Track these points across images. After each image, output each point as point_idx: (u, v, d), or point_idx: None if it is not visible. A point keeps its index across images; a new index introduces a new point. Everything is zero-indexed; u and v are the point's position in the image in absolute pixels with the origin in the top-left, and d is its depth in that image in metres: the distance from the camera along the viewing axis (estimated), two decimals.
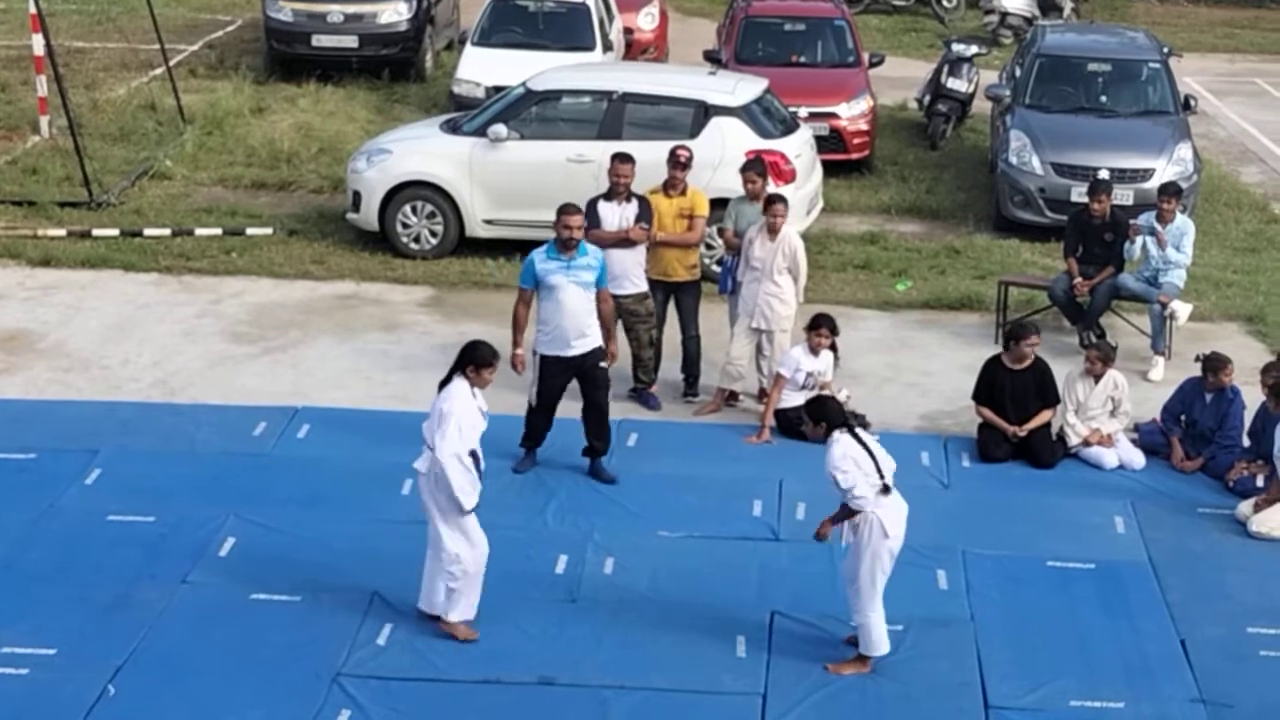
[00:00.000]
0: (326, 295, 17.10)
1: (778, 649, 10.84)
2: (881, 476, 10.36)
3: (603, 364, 12.96)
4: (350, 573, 11.59)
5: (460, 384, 10.67)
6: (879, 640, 10.52)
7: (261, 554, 11.85)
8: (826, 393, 13.88)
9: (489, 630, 10.91)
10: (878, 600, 10.45)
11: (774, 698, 10.32)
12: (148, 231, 18.52)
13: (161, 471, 13.02)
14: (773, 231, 14.22)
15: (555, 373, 12.92)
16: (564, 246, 12.71)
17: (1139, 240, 15.83)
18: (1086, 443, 13.67)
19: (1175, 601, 11.59)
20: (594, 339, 12.88)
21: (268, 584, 11.40)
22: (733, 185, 15.16)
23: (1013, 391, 13.67)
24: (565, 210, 12.79)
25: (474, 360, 10.69)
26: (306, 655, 10.58)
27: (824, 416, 10.55)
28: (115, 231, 18.48)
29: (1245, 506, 12.79)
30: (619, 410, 14.28)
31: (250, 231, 18.67)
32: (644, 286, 14.26)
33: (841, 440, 10.42)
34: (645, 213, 14.19)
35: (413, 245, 18.05)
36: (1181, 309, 15.66)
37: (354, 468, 13.16)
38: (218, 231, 18.63)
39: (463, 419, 10.51)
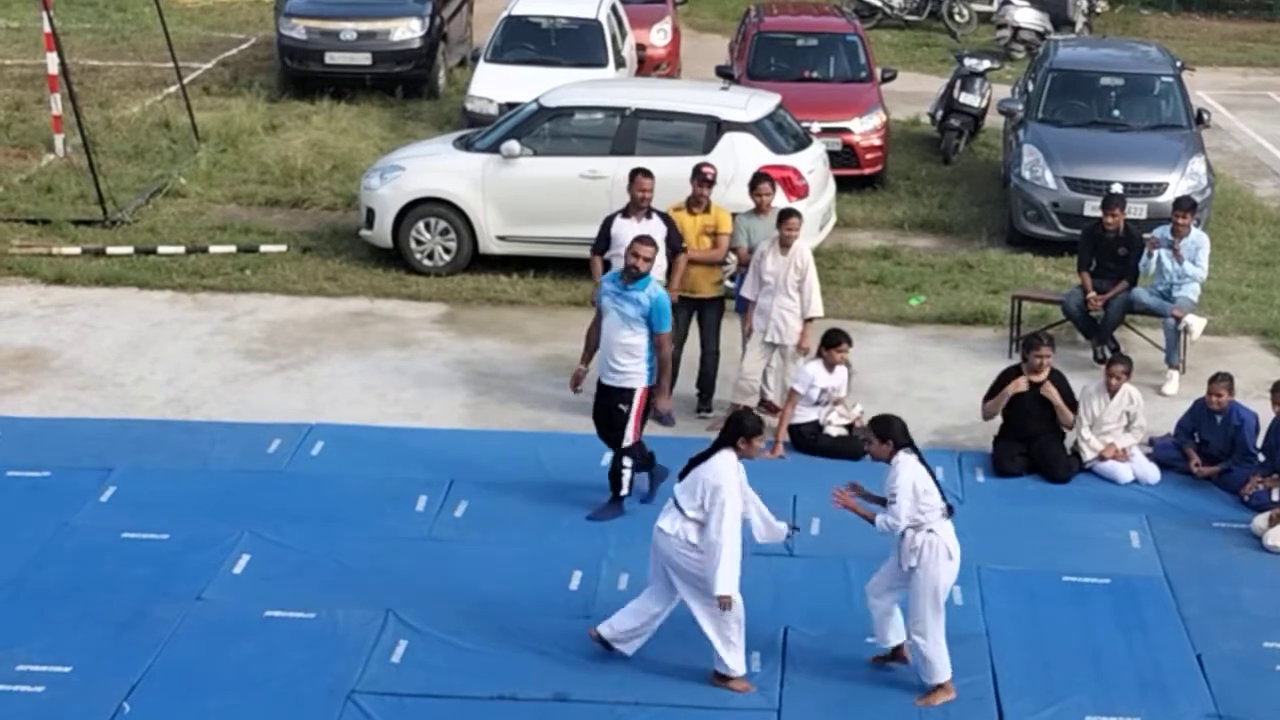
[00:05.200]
0: (340, 312, 17.12)
1: (792, 664, 10.83)
2: (944, 498, 10.37)
3: (621, 406, 12.63)
4: (364, 590, 11.60)
5: (729, 457, 10.45)
6: (943, 665, 10.42)
7: (276, 571, 11.86)
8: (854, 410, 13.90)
9: (503, 646, 10.92)
10: (941, 624, 10.39)
11: (789, 713, 10.32)
12: (162, 249, 18.55)
13: (175, 489, 13.04)
14: (785, 246, 14.22)
15: (597, 398, 12.86)
16: (629, 275, 12.53)
17: (1155, 254, 15.82)
18: (1101, 457, 13.65)
19: (1191, 616, 11.57)
20: (625, 377, 12.58)
21: (282, 601, 11.41)
22: (746, 201, 15.16)
23: (1028, 404, 13.63)
24: (641, 241, 12.60)
25: (744, 432, 10.49)
26: (321, 672, 10.59)
27: (891, 435, 10.47)
28: (129, 249, 18.51)
29: (1261, 520, 12.77)
30: None
31: (264, 249, 18.69)
32: None
33: (908, 463, 10.38)
34: (672, 230, 14.20)
35: (426, 262, 18.06)
36: (1195, 323, 15.64)
37: (368, 485, 13.17)
38: (232, 249, 18.66)
39: (735, 495, 10.33)
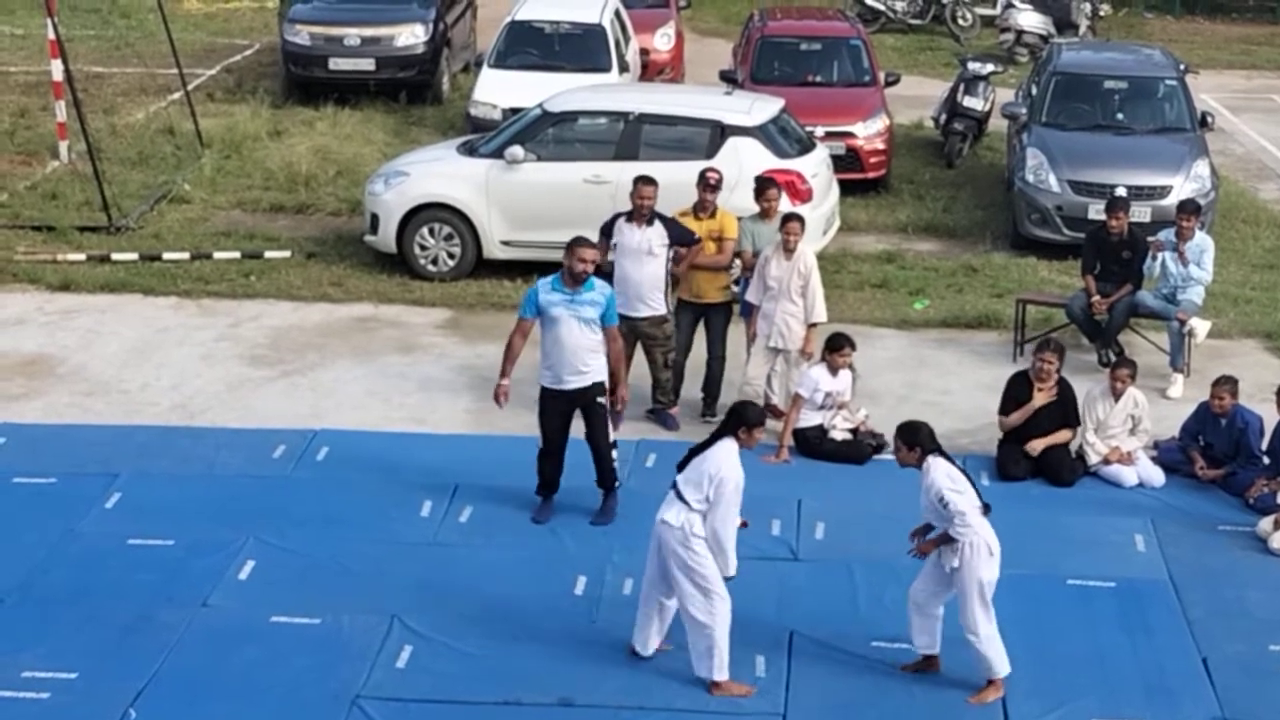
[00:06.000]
0: (344, 318, 17.14)
1: (797, 669, 10.83)
2: (980, 497, 10.40)
3: (600, 400, 12.58)
4: (370, 595, 11.61)
5: (731, 446, 10.52)
6: (1000, 659, 10.49)
7: (281, 576, 11.86)
8: (861, 419, 13.90)
9: (508, 651, 10.92)
10: (993, 620, 10.44)
11: (794, 717, 10.31)
12: (166, 255, 18.57)
13: (180, 495, 13.05)
14: (789, 251, 14.23)
15: (554, 408, 12.59)
16: (572, 280, 12.42)
17: (1160, 257, 15.81)
18: (1106, 461, 13.64)
19: (1196, 619, 11.56)
20: (594, 374, 12.53)
21: (287, 606, 11.41)
22: (751, 205, 15.17)
23: (1038, 410, 13.62)
24: (579, 244, 12.49)
25: (745, 422, 10.56)
26: (326, 677, 10.59)
27: (918, 441, 10.51)
28: (134, 256, 18.53)
29: (1266, 523, 12.76)
30: (637, 431, 14.30)
31: (268, 255, 18.71)
32: (661, 310, 14.26)
33: (940, 464, 10.44)
34: (681, 232, 14.21)
35: (430, 267, 18.08)
36: (1200, 326, 15.63)
37: (373, 490, 13.17)
38: (236, 255, 18.68)
39: (739, 485, 10.41)
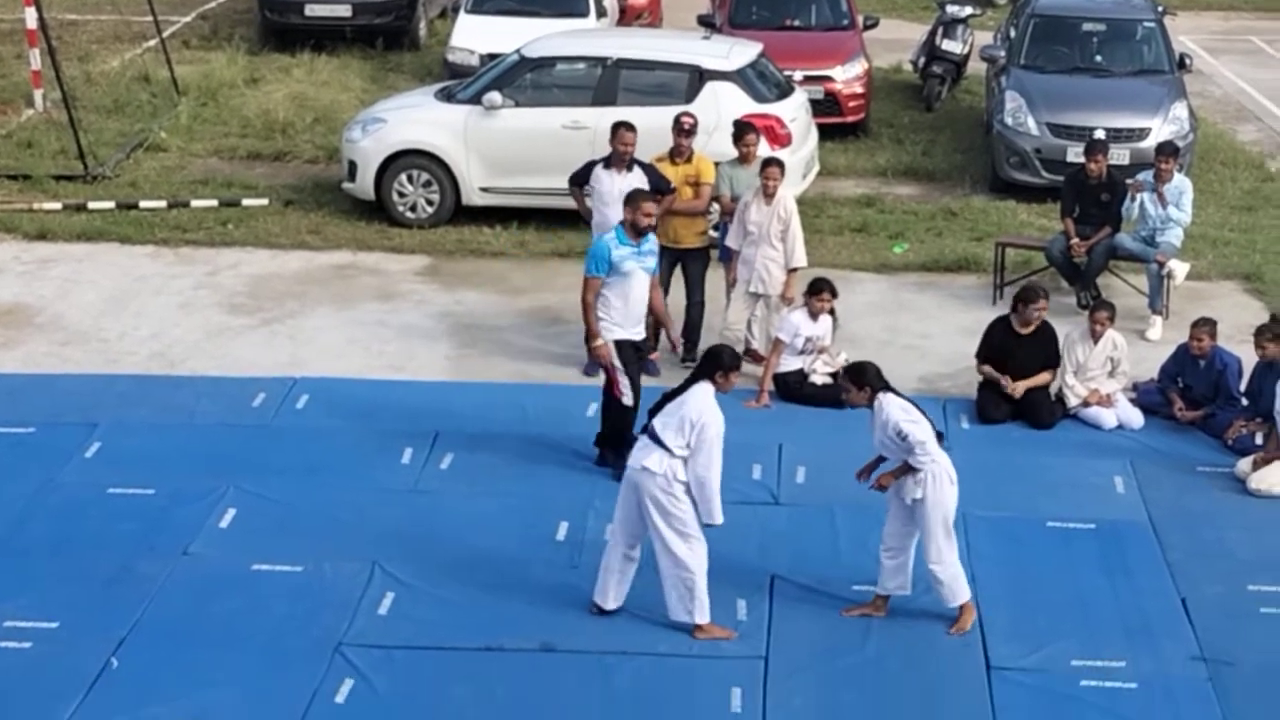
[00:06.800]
0: (323, 265, 17.09)
1: (779, 612, 10.86)
2: (934, 425, 10.52)
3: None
4: (351, 543, 11.61)
5: (708, 390, 10.51)
6: (962, 586, 10.62)
7: (262, 525, 11.86)
8: (829, 358, 13.92)
9: (490, 597, 10.93)
10: (954, 548, 10.58)
11: (776, 660, 10.34)
12: (143, 204, 18.49)
13: (161, 444, 13.03)
14: (768, 196, 14.21)
15: (633, 358, 12.63)
16: (636, 233, 12.44)
17: (1138, 199, 15.81)
18: (1085, 403, 13.67)
19: (1175, 560, 11.61)
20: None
21: (269, 554, 11.41)
22: (729, 149, 15.13)
23: (1018, 355, 13.65)
24: (643, 197, 12.54)
25: (722, 365, 10.57)
26: (308, 625, 10.60)
27: (867, 381, 10.57)
28: (111, 204, 18.45)
29: (1244, 464, 12.80)
30: None
31: (246, 202, 18.64)
32: None
33: (891, 399, 10.52)
34: (658, 179, 14.16)
35: (409, 214, 18.02)
36: (1179, 268, 15.65)
37: (353, 437, 13.16)
38: (213, 203, 18.61)
39: (719, 428, 10.39)
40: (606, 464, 12.60)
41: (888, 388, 10.61)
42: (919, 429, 10.36)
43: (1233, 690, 10.10)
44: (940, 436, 10.56)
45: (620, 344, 12.53)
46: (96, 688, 9.92)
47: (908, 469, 10.43)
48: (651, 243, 12.61)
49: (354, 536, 11.70)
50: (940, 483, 10.41)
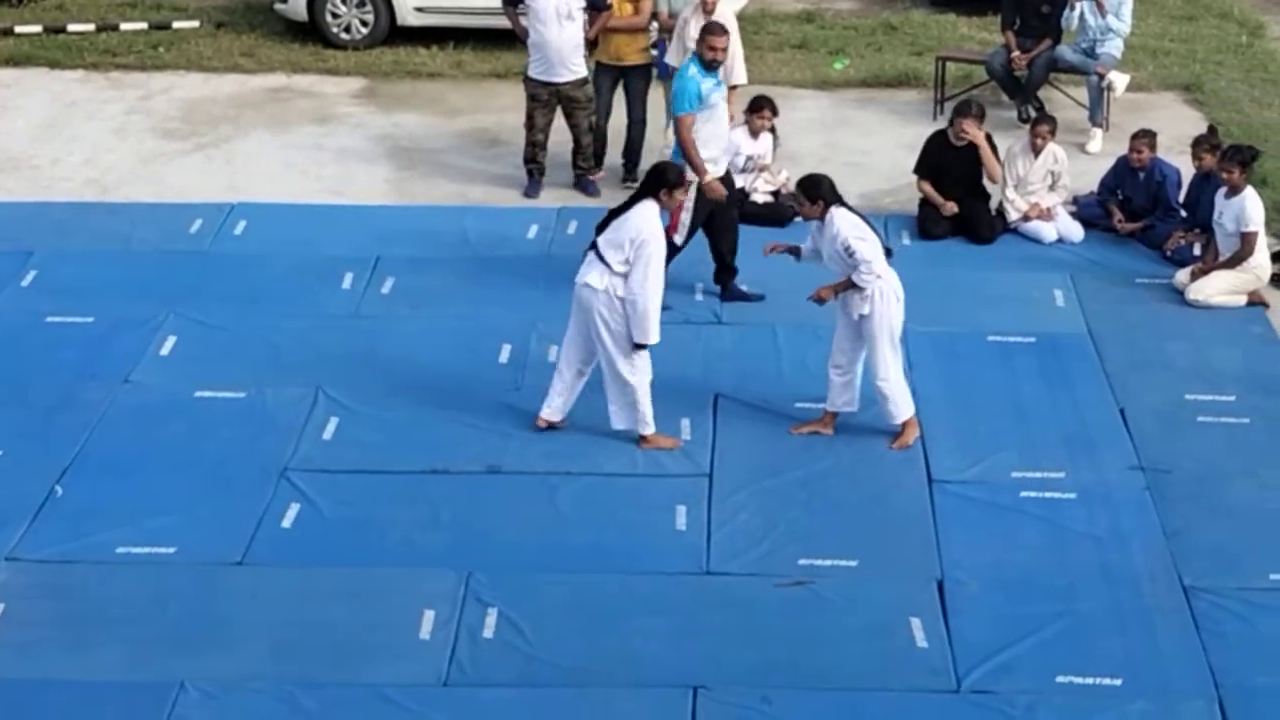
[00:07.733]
0: (257, 89, 16.86)
1: (723, 429, 10.92)
2: (883, 241, 10.52)
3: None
4: (294, 368, 11.58)
5: (652, 207, 10.42)
6: (906, 402, 10.70)
7: (203, 352, 11.81)
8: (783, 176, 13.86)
9: (434, 420, 10.95)
10: (899, 364, 10.66)
11: (720, 478, 10.42)
12: (71, 27, 18.17)
13: (98, 271, 12.92)
14: (707, 12, 14.04)
15: (704, 204, 12.40)
16: (711, 66, 12.27)
17: (1079, 8, 15.70)
18: (1026, 217, 13.69)
19: (1114, 371, 11.71)
20: None
21: (211, 381, 11.38)
22: None
23: (956, 168, 13.64)
24: (715, 31, 12.35)
25: (666, 183, 10.44)
26: (253, 450, 10.61)
27: (820, 194, 10.52)
28: (38, 28, 18.12)
29: (1182, 275, 12.88)
30: (558, 198, 14.25)
31: (177, 25, 18.33)
32: (582, 72, 14.10)
33: (843, 213, 10.49)
34: None
35: (343, 36, 17.75)
36: (1119, 80, 15.61)
37: (293, 263, 13.08)
38: (143, 26, 18.29)
39: (660, 247, 10.34)
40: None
41: (841, 202, 10.59)
42: (866, 246, 10.35)
43: (1170, 497, 10.23)
44: (889, 253, 10.56)
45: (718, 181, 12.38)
46: (42, 515, 9.92)
47: (850, 284, 10.44)
48: (721, 73, 12.49)
49: (296, 362, 11.67)
50: (887, 299, 10.43)
